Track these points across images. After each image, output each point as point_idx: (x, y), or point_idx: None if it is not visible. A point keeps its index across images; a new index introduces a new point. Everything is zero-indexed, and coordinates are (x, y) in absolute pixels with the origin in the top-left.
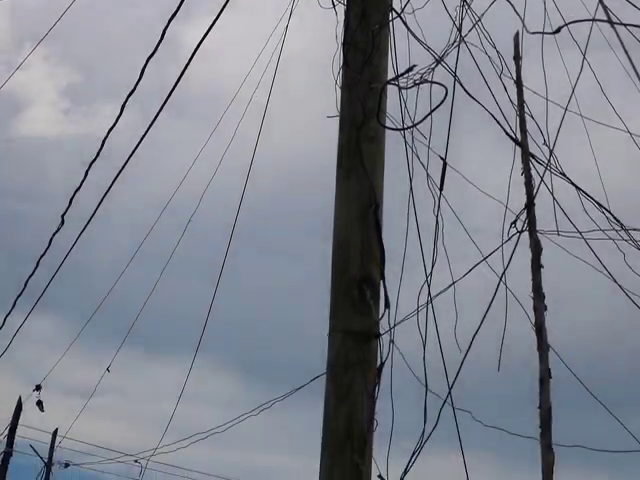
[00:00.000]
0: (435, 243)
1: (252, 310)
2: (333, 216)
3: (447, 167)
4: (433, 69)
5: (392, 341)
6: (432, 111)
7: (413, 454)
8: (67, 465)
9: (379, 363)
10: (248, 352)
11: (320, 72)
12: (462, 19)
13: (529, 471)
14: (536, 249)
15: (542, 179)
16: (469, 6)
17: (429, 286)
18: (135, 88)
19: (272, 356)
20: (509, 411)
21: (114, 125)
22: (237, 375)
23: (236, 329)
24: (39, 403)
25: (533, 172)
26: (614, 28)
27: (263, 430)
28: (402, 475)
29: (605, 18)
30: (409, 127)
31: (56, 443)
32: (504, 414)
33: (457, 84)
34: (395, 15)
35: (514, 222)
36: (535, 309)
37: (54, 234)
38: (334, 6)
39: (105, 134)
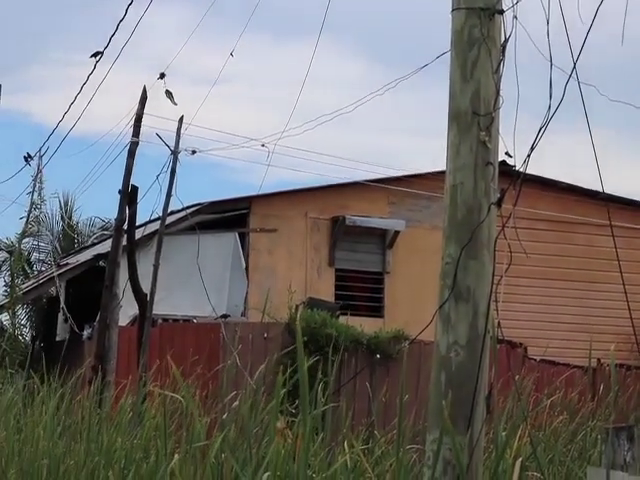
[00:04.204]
0: None
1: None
2: None
3: None
4: None
5: (515, 17)
6: None
7: (539, 131)
8: (194, 152)
9: (503, 39)
10: (374, 36)
11: None
12: None
13: None
14: None
15: None
16: None
17: None
18: None
19: (397, 39)
20: (635, 87)
21: None
22: (364, 59)
23: (362, 15)
24: (168, 93)
25: None
26: None
27: (389, 111)
28: (529, 151)
29: None
30: None
31: (182, 131)
32: (630, 90)
33: None
34: None
35: None
36: None
37: None
38: None
39: None
